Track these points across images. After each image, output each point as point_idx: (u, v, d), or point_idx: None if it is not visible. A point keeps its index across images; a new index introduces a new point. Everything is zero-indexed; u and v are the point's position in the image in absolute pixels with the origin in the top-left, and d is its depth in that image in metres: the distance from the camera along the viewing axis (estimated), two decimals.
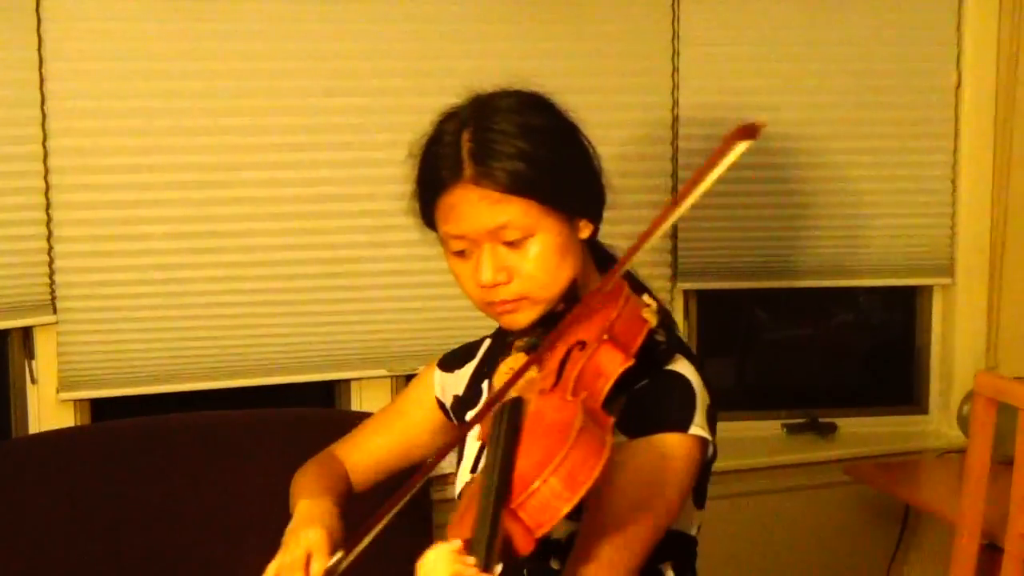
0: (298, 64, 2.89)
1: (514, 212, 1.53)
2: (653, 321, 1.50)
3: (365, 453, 1.85)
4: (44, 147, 2.72)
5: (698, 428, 1.55)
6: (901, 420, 3.51)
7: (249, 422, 2.83)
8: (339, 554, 1.57)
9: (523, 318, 1.59)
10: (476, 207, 1.53)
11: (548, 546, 1.57)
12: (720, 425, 3.72)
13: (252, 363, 2.94)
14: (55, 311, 2.77)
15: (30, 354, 2.81)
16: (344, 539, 1.61)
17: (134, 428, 2.78)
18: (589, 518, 1.48)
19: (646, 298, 1.53)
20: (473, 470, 1.68)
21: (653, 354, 1.54)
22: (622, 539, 1.47)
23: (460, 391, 1.81)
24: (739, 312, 3.61)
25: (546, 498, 1.25)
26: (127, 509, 2.64)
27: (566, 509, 1.25)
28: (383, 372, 3.02)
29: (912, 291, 3.52)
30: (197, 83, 2.83)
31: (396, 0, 2.93)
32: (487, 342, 1.83)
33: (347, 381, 3.05)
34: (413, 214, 1.64)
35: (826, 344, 3.72)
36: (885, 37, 3.28)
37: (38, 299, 2.77)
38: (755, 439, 3.39)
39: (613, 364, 1.43)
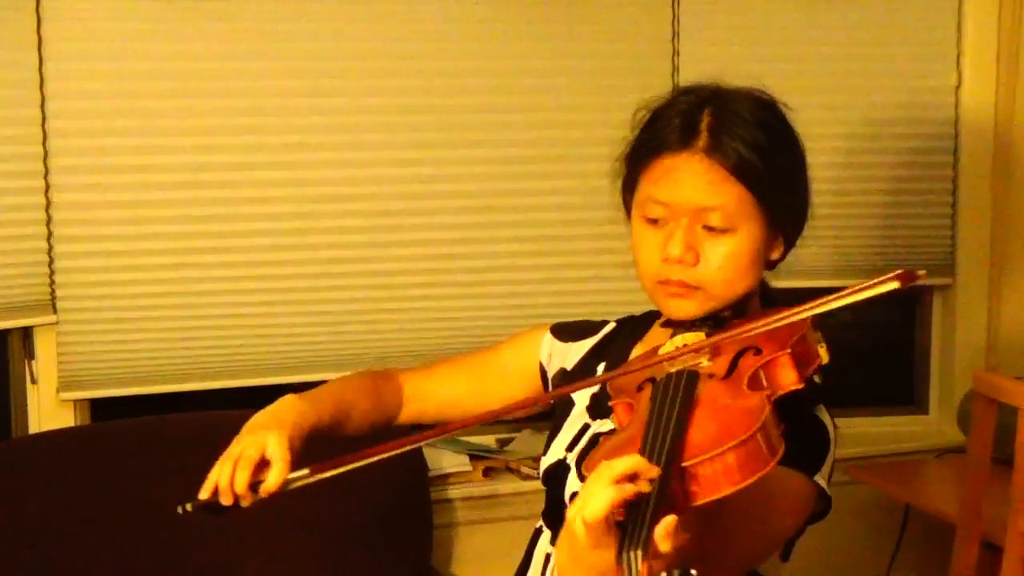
0: (298, 64, 2.89)
1: (730, 198, 1.50)
2: (825, 358, 1.45)
3: (440, 384, 1.77)
4: (44, 147, 2.73)
5: (821, 479, 1.51)
6: (901, 420, 3.50)
7: None
8: (304, 471, 1.49)
9: (690, 307, 1.53)
10: (697, 179, 1.51)
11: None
12: None
13: (252, 363, 2.93)
14: (55, 311, 2.77)
15: (30, 354, 2.81)
16: (307, 457, 1.53)
17: (134, 428, 2.78)
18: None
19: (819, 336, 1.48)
20: (570, 448, 1.61)
21: (806, 393, 1.46)
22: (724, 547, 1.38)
23: (569, 365, 1.72)
24: None
25: (718, 470, 1.18)
26: (127, 509, 2.63)
27: (728, 490, 1.18)
28: None
29: (912, 291, 3.51)
30: (197, 83, 2.83)
31: (395, 1, 2.94)
32: (611, 325, 1.75)
33: None
34: (614, 173, 1.62)
35: (826, 344, 3.71)
36: (885, 37, 3.27)
37: (38, 299, 2.77)
38: None
39: (786, 379, 1.37)
